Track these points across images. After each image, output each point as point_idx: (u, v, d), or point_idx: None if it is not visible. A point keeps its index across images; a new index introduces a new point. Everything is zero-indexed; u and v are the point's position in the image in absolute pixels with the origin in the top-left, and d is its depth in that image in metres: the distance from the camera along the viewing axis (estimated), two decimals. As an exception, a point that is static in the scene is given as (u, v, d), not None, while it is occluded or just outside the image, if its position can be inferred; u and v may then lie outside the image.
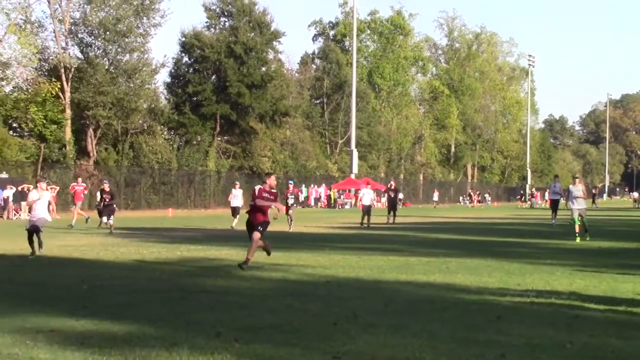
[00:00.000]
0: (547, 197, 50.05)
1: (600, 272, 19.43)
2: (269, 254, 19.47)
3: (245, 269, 17.09)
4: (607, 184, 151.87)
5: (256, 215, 18.63)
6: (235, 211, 39.73)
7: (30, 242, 22.36)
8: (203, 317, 12.40)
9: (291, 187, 40.94)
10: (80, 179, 50.48)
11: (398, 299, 14.71)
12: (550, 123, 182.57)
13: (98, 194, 41.67)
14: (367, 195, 44.21)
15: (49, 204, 23.03)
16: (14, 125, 73.34)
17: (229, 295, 15.43)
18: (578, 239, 29.70)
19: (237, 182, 42.59)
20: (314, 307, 13.67)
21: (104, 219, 36.23)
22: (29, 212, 19.64)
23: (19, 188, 54.97)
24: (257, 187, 18.88)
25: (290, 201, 38.69)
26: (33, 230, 21.06)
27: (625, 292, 15.45)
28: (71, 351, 9.55)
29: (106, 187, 37.98)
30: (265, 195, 18.23)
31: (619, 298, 14.59)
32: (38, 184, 21.68)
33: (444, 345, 9.93)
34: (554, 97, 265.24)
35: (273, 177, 19.12)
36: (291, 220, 38.18)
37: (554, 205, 39.08)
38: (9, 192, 54.87)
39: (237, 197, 40.40)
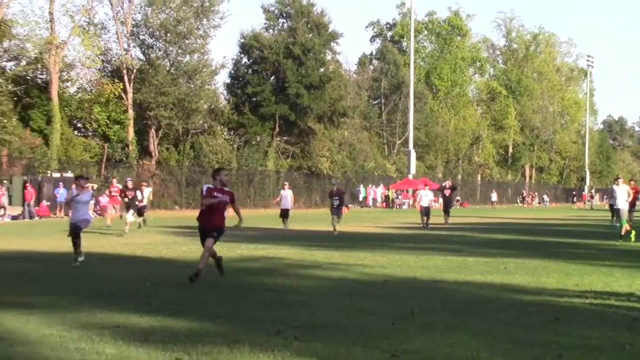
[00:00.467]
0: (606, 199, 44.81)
1: None
2: (218, 267, 16.63)
3: (195, 281, 15.11)
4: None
5: (209, 217, 16.05)
6: (284, 214, 38.48)
7: (76, 245, 19.84)
8: (263, 314, 12.63)
9: (335, 187, 38.69)
10: (115, 180, 49.68)
11: (456, 299, 14.76)
12: (609, 124, 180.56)
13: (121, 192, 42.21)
14: (425, 197, 44.11)
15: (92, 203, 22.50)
16: (79, 125, 74.97)
17: (288, 293, 15.60)
18: (632, 239, 29.01)
19: (285, 183, 41.51)
20: (372, 306, 13.71)
21: (127, 215, 35.26)
22: (69, 211, 16.22)
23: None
24: (206, 186, 17.33)
25: (335, 203, 36.60)
26: (75, 232, 18.60)
27: None
28: (135, 347, 9.87)
29: (129, 184, 37.84)
30: (217, 194, 15.77)
31: None
32: (78, 182, 18.78)
33: (501, 346, 9.99)
34: (613, 97, 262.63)
35: (223, 173, 16.41)
36: (337, 222, 36.58)
37: (613, 207, 37.37)
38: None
39: (286, 199, 39.00)
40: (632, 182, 60.84)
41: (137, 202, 37.07)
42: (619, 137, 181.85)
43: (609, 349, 9.74)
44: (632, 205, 44.52)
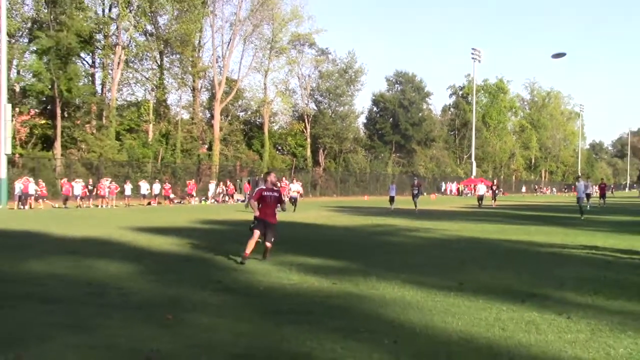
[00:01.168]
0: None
1: (624, 235, 19.70)
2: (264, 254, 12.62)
3: (243, 263, 11.78)
4: (628, 182, 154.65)
5: (264, 212, 12.56)
6: (392, 199, 38.84)
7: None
8: (384, 258, 13.17)
9: (416, 181, 39.05)
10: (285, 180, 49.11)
11: (499, 250, 15.08)
12: (593, 145, 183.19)
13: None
14: (481, 188, 46.66)
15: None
16: (279, 147, 78.96)
17: (400, 246, 16.15)
18: (583, 217, 29.11)
19: (393, 181, 42.72)
20: (450, 254, 14.23)
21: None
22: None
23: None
24: (257, 189, 13.12)
25: (415, 191, 36.65)
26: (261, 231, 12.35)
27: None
28: (319, 276, 10.41)
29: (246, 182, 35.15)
30: (267, 194, 12.58)
31: (636, 250, 14.88)
32: (268, 178, 12.74)
33: (526, 278, 10.53)
34: (596, 129, 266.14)
35: (272, 175, 13.38)
36: (416, 205, 35.61)
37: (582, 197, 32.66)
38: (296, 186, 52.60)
39: (392, 189, 39.46)
40: (602, 180, 65.92)
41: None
42: (598, 153, 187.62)
43: (591, 279, 10.25)
44: (602, 195, 47.28)
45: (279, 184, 12.79)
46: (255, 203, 12.79)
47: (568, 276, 10.73)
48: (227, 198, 51.98)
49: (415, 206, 35.41)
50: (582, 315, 7.59)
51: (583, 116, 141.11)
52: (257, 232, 12.33)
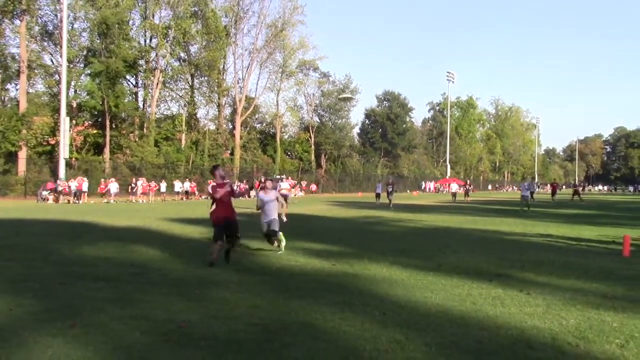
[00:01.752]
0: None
1: (573, 225, 19.58)
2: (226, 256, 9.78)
3: (213, 266, 9.20)
4: (576, 182, 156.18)
5: (220, 210, 9.64)
6: (377, 195, 37.48)
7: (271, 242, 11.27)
8: (375, 244, 13.01)
9: (390, 180, 36.20)
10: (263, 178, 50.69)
11: (470, 238, 14.96)
12: (547, 150, 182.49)
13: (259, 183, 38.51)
14: (454, 186, 46.78)
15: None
16: (288, 153, 79.06)
17: (385, 234, 15.93)
18: (524, 209, 28.71)
19: (379, 180, 39.49)
20: (427, 240, 14.09)
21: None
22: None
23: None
24: (210, 186, 9.91)
25: (390, 189, 33.63)
26: (270, 234, 10.82)
27: (587, 235, 15.63)
28: (321, 259, 10.23)
29: (263, 179, 34.90)
30: (219, 190, 9.47)
31: (583, 238, 14.89)
32: (266, 183, 11.12)
33: (493, 261, 10.35)
34: (550, 137, 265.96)
35: (219, 169, 10.02)
36: (390, 202, 33.06)
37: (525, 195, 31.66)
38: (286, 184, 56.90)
39: (378, 187, 38.11)
40: (554, 180, 66.14)
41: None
42: (552, 157, 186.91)
43: (547, 262, 10.18)
44: (553, 193, 45.97)
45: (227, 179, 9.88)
46: (214, 206, 9.96)
47: (528, 259, 10.66)
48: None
49: (390, 202, 33.24)
50: (540, 291, 7.56)
51: (539, 127, 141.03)
52: (218, 244, 9.51)
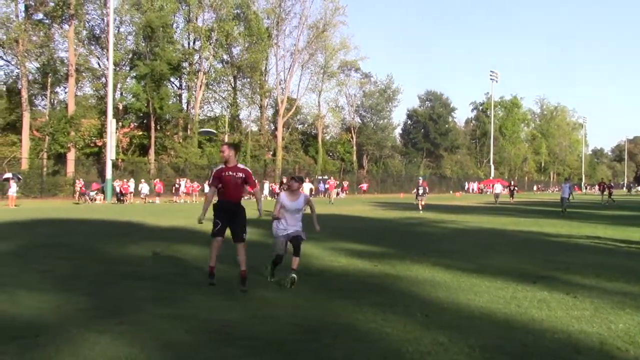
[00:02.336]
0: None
1: (622, 226, 19.24)
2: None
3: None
4: (625, 182, 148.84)
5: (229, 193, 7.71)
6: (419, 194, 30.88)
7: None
8: (417, 245, 12.81)
9: (421, 181, 31.03)
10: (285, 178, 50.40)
11: (515, 239, 14.74)
12: (594, 151, 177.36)
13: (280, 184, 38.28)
14: (497, 187, 44.37)
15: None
16: (330, 153, 78.93)
17: (427, 235, 15.87)
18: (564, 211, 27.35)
19: (420, 179, 34.57)
20: (472, 241, 13.97)
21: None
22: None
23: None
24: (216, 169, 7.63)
25: (420, 191, 28.86)
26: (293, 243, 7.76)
27: (636, 237, 15.15)
28: (363, 260, 10.19)
29: (284, 179, 31.55)
30: (229, 174, 7.43)
31: (633, 240, 14.51)
32: (290, 183, 7.74)
33: (538, 262, 10.25)
34: (598, 136, 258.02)
35: (226, 147, 7.85)
36: (420, 204, 28.31)
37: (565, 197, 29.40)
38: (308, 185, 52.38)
39: (421, 188, 30.60)
40: (602, 179, 63.12)
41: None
42: (599, 158, 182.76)
43: (594, 265, 9.95)
44: (602, 192, 45.19)
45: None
46: (213, 189, 7.79)
47: (574, 261, 10.43)
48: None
49: (419, 205, 28.48)
50: (587, 294, 7.37)
51: (586, 126, 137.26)
52: (217, 241, 7.69)
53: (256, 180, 8.68)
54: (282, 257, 7.81)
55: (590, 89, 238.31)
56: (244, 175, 7.77)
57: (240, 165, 7.87)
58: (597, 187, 58.11)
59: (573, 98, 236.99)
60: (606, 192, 45.42)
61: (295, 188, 7.96)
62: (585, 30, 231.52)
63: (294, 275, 7.50)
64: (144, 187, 38.91)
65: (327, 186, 47.39)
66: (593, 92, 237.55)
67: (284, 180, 20.04)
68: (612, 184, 50.18)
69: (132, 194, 38.33)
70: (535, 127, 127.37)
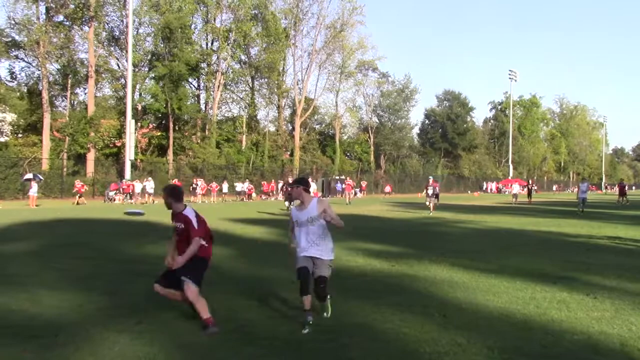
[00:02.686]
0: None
1: None
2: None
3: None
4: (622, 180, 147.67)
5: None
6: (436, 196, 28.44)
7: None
8: (435, 245, 12.79)
9: (431, 180, 28.64)
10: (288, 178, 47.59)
11: (533, 239, 14.58)
12: (615, 150, 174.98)
13: (283, 185, 38.83)
14: (515, 187, 44.34)
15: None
16: (347, 153, 78.45)
17: (448, 235, 15.75)
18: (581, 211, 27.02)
19: (431, 178, 31.99)
20: (490, 242, 13.83)
21: (286, 203, 28.38)
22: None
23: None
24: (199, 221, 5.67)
25: (430, 191, 26.77)
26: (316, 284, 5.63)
27: None
28: (380, 259, 10.32)
29: (289, 180, 32.70)
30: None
31: None
32: (293, 191, 5.54)
33: (557, 263, 10.11)
34: (618, 136, 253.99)
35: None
36: (433, 205, 26.65)
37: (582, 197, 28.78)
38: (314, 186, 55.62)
39: (431, 188, 28.03)
40: (621, 180, 60.86)
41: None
42: (620, 157, 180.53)
43: (613, 266, 9.84)
44: (621, 194, 42.51)
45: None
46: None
47: (594, 262, 10.33)
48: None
49: (430, 206, 26.62)
50: (607, 295, 7.28)
51: (606, 126, 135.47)
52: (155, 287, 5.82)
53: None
54: (307, 272, 5.73)
55: (611, 88, 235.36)
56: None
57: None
58: (616, 187, 56.46)
59: (593, 97, 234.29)
60: (625, 193, 43.88)
61: (298, 195, 5.91)
62: (605, 28, 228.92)
63: (310, 317, 5.68)
64: (148, 185, 37.94)
65: (344, 186, 46.73)
66: (614, 90, 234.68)
67: (285, 187, 17.30)
68: (625, 184, 48.49)
69: (140, 194, 37.62)
70: (554, 126, 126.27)
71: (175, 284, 5.62)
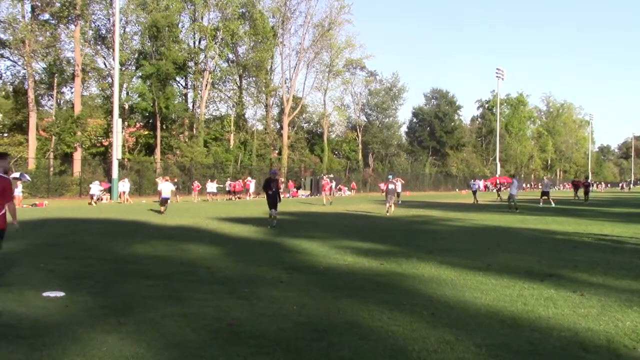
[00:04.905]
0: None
1: (629, 224, 19.08)
2: None
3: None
4: (632, 179, 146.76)
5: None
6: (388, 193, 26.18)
7: None
8: (423, 243, 12.90)
9: (391, 177, 27.05)
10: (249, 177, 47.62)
11: (521, 237, 14.73)
12: (601, 148, 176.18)
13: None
14: (478, 185, 44.95)
15: None
16: (335, 152, 79.14)
17: (436, 233, 15.81)
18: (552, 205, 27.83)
19: (390, 176, 30.59)
20: (478, 239, 13.86)
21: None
22: None
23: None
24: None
25: (391, 186, 24.18)
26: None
27: None
28: (369, 258, 10.32)
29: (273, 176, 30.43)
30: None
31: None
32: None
33: (544, 260, 10.17)
34: (603, 134, 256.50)
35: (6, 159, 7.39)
36: (388, 205, 24.35)
37: (544, 193, 32.00)
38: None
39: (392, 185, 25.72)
40: (514, 177, 59.45)
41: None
42: (606, 155, 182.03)
43: (601, 262, 9.95)
44: (582, 192, 43.90)
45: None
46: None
47: (581, 259, 10.40)
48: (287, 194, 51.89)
49: (387, 206, 24.56)
50: (594, 292, 7.35)
51: (592, 124, 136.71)
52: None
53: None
54: None
55: (596, 86, 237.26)
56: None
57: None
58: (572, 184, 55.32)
59: (579, 95, 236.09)
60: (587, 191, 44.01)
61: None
62: (591, 27, 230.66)
63: None
64: (124, 186, 36.79)
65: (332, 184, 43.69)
66: (600, 89, 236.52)
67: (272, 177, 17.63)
68: (589, 182, 47.79)
69: (125, 193, 36.76)
70: (541, 124, 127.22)
71: None
